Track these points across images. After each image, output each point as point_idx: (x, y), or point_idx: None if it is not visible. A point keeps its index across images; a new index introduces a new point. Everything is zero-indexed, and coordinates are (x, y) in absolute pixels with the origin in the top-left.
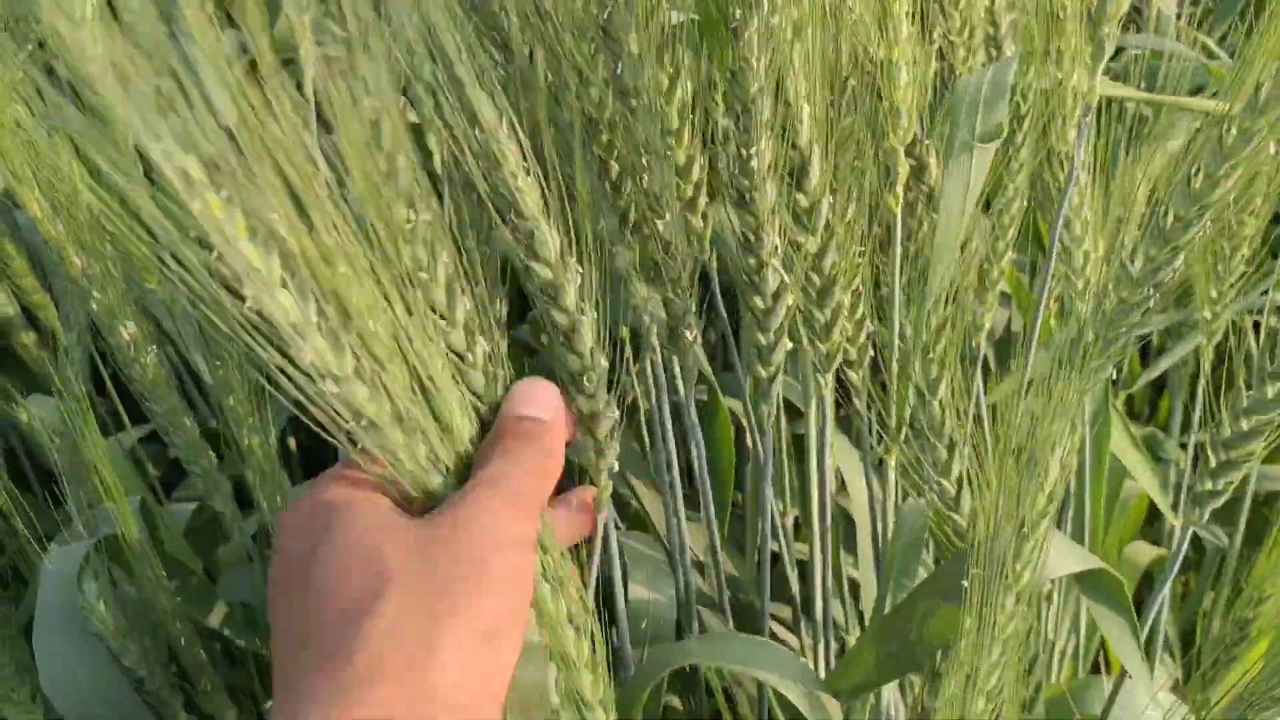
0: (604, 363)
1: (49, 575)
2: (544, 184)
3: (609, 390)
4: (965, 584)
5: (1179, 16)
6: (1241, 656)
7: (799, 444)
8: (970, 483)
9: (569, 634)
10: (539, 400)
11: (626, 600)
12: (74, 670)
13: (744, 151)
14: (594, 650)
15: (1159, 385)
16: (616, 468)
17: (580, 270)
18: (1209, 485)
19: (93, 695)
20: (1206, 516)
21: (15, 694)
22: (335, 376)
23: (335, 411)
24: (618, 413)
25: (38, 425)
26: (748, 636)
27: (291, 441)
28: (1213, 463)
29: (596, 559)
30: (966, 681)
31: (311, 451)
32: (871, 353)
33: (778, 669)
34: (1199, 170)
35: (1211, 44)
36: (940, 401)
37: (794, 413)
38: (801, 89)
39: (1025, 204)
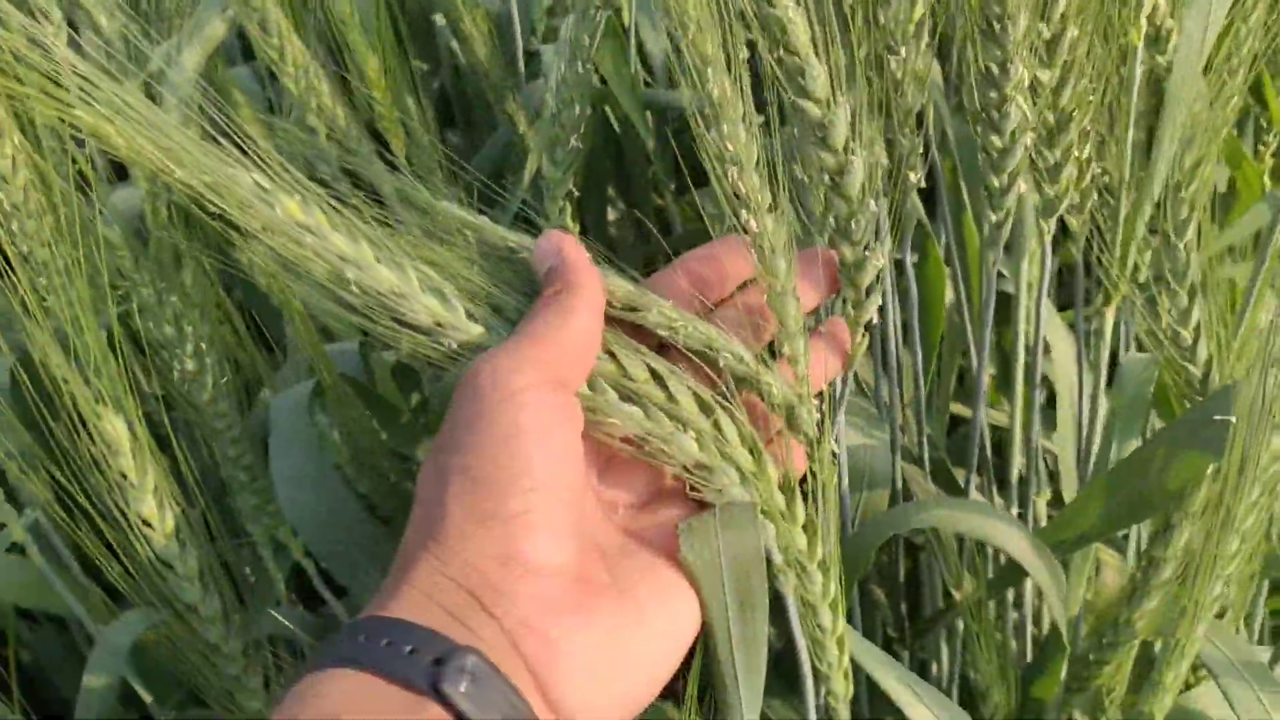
0: (873, 206)
1: (281, 406)
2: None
3: (876, 236)
4: (1232, 419)
5: None
6: None
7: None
8: (1210, 330)
9: (778, 497)
10: (543, 253)
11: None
12: (312, 496)
13: None
14: (818, 511)
15: None
16: (875, 320)
17: (850, 105)
18: None
19: (331, 519)
20: None
21: (270, 505)
22: (453, 325)
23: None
24: (883, 260)
25: (259, 263)
26: (965, 500)
27: None
28: None
29: (841, 414)
30: (1224, 521)
31: None
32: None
33: (1003, 530)
34: None
35: None
36: (1185, 245)
37: None
38: None
39: (1257, 47)
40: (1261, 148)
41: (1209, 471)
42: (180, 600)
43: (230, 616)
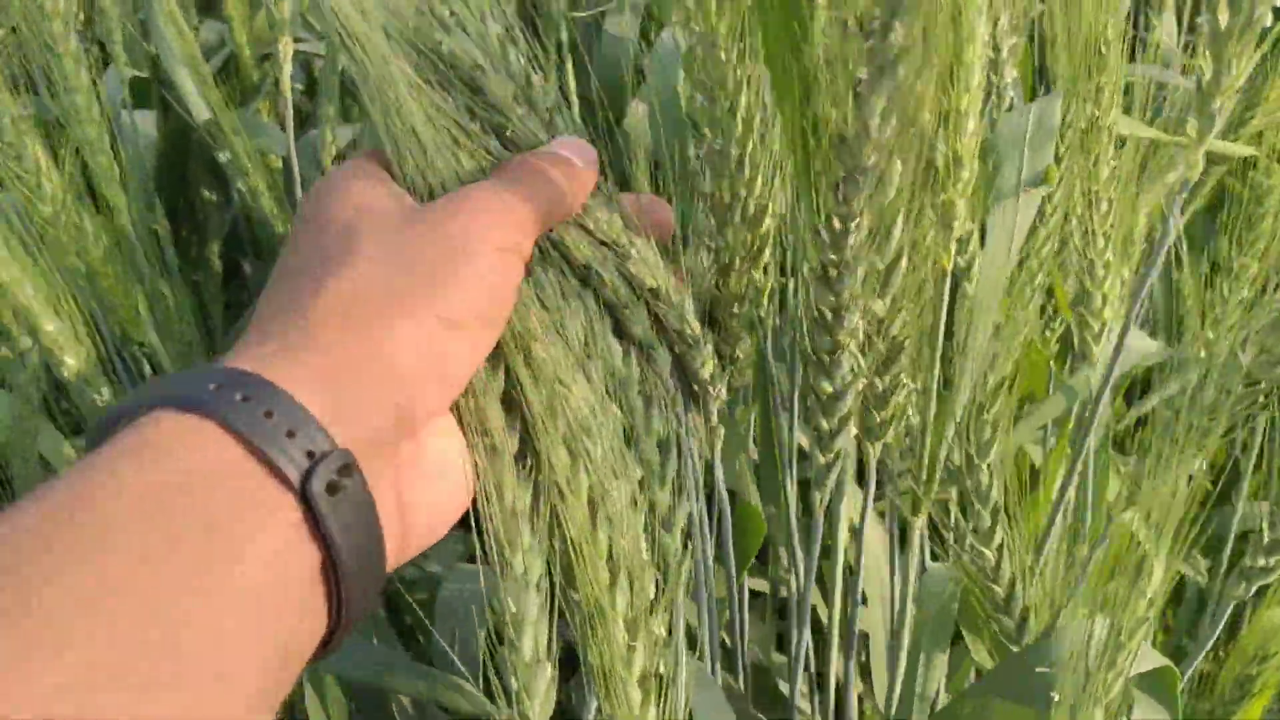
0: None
1: None
2: None
3: None
4: (1055, 696)
5: (1184, 47)
6: (1238, 714)
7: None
8: (1010, 551)
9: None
10: (581, 151)
11: None
12: None
13: (840, 224)
14: None
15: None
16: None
17: None
18: (1261, 562)
19: None
20: (1253, 591)
21: None
22: None
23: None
24: None
25: None
26: None
27: None
28: (1266, 539)
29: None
30: None
31: None
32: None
33: None
34: None
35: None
36: (989, 467)
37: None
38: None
39: (1054, 251)
40: (1049, 332)
41: None
42: None
43: None
